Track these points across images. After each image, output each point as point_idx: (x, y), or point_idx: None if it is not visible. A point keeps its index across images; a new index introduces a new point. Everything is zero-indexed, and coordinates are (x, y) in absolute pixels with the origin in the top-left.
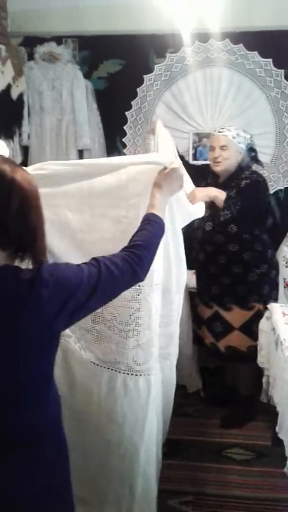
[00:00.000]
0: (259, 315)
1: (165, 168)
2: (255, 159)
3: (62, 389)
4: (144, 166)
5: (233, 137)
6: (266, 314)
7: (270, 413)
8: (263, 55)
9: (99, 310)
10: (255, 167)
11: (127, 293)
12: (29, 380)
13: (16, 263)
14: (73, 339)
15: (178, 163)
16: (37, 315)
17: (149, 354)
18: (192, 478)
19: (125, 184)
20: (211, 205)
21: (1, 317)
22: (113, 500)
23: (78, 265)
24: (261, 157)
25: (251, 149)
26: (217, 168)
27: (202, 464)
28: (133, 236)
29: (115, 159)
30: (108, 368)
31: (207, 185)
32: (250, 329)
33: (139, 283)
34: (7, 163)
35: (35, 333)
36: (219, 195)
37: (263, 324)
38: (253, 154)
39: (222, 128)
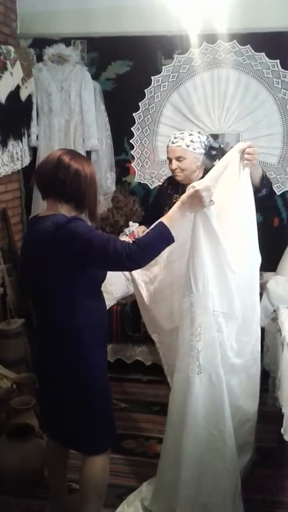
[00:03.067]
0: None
1: (193, 186)
2: (216, 157)
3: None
4: None
5: (187, 146)
6: (272, 315)
7: (276, 415)
8: (271, 56)
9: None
10: None
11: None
12: (57, 293)
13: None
14: None
15: (204, 185)
16: (55, 247)
17: (215, 352)
18: None
19: None
20: None
21: (43, 245)
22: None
23: (101, 233)
24: (268, 158)
25: (211, 148)
26: (179, 179)
27: None
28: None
29: None
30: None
31: None
32: None
33: (194, 294)
34: (67, 154)
35: (56, 260)
36: (256, 173)
37: (269, 326)
38: (214, 152)
39: (176, 138)
